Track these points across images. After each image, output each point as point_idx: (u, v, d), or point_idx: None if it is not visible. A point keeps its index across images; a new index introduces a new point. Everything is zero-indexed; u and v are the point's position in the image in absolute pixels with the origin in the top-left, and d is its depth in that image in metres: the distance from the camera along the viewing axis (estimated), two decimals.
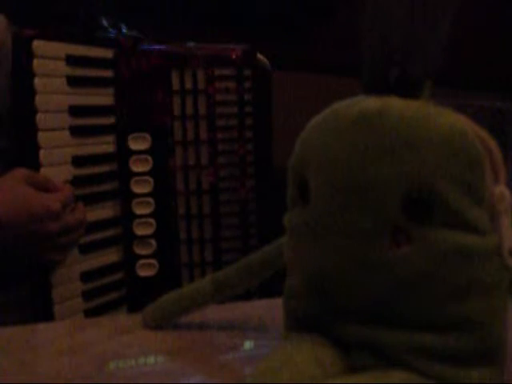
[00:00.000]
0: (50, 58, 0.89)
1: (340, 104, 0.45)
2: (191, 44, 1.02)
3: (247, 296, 0.79)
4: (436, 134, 0.41)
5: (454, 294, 0.42)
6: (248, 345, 0.64)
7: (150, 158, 0.97)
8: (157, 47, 0.99)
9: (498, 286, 0.43)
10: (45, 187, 0.87)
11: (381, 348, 0.44)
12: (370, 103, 0.43)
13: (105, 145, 0.96)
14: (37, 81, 0.87)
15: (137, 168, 0.97)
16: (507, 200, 0.43)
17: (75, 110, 0.92)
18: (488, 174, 0.42)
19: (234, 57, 0.99)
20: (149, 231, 0.98)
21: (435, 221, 0.41)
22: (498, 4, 1.75)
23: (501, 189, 0.43)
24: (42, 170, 0.88)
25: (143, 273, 0.98)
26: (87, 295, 0.94)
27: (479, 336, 0.42)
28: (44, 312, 0.90)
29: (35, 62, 0.87)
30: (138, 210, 0.97)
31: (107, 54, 0.95)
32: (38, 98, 0.87)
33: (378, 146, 0.41)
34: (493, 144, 0.43)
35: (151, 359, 0.61)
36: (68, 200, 0.88)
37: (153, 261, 0.98)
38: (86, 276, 0.94)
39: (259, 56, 1.00)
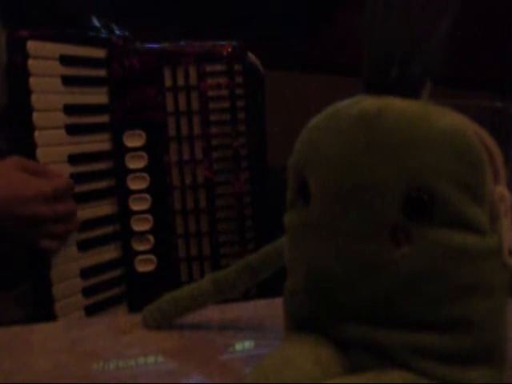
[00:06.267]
0: (45, 58, 0.90)
1: (340, 104, 0.45)
2: (182, 42, 1.03)
3: (247, 296, 0.80)
4: (436, 134, 0.41)
5: (453, 294, 0.42)
6: (248, 345, 0.64)
7: (145, 154, 0.98)
8: (148, 46, 1.00)
9: (498, 286, 0.43)
10: (39, 173, 0.87)
11: (381, 348, 0.43)
12: (369, 103, 0.43)
13: (100, 143, 0.97)
14: (32, 80, 0.88)
15: (133, 165, 0.97)
16: (507, 200, 0.43)
17: (70, 109, 0.93)
18: (488, 174, 0.42)
19: (224, 53, 1.00)
20: (146, 227, 0.98)
21: (435, 221, 0.41)
22: (498, 4, 1.75)
23: (501, 189, 0.43)
24: None
25: (142, 268, 0.98)
26: (87, 292, 0.94)
27: (479, 336, 0.42)
28: (45, 309, 0.90)
29: (30, 62, 0.88)
30: (135, 207, 0.98)
31: (100, 53, 0.96)
32: (33, 97, 0.89)
33: (378, 146, 0.41)
34: (493, 144, 0.43)
35: (151, 359, 0.61)
36: (61, 187, 0.88)
37: (151, 256, 0.98)
38: (85, 273, 0.94)
39: (248, 53, 1.01)
